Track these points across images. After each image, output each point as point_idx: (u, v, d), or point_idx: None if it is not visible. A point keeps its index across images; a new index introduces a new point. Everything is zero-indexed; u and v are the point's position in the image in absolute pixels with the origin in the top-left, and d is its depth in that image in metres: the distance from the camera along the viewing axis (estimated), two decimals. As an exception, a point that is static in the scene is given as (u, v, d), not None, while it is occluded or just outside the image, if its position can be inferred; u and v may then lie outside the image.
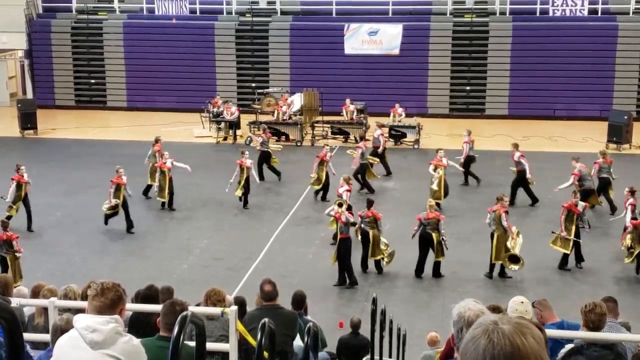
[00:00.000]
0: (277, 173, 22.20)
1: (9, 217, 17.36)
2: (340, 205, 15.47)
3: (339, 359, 10.36)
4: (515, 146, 20.45)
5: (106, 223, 18.15)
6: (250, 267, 16.21)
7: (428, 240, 15.69)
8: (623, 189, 21.63)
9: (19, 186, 18.12)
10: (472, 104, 31.20)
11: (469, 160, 21.65)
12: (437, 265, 15.84)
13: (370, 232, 15.79)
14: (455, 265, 16.42)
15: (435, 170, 19.62)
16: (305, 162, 22.54)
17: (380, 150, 22.51)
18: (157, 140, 21.05)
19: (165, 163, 19.54)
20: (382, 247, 15.99)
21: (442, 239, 15.67)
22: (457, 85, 31.15)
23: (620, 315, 7.44)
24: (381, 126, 23.44)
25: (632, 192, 16.73)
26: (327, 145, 20.28)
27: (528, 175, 19.88)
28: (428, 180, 20.11)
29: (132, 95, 32.67)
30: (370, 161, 21.80)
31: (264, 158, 21.96)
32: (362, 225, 15.90)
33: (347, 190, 17.60)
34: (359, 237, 15.94)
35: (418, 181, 21.46)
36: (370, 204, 16.11)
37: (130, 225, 18.02)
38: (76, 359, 3.77)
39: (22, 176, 18.16)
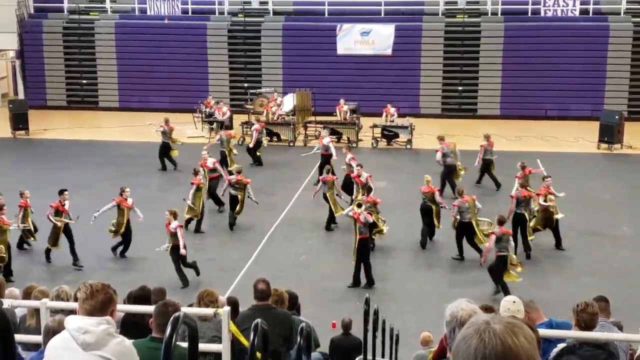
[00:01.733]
0: (174, 163, 23.43)
1: (119, 244, 16.79)
2: (359, 205, 15.51)
3: (332, 359, 10.37)
4: (348, 149, 20.97)
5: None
6: (243, 268, 16.20)
7: (428, 211, 17.35)
8: (611, 187, 21.76)
9: (120, 210, 16.70)
10: (464, 104, 31.25)
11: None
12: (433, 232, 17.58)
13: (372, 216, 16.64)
14: (448, 265, 16.45)
15: (545, 200, 16.98)
16: (297, 163, 22.57)
17: (251, 144, 23.75)
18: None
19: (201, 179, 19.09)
20: (380, 224, 17.16)
21: (441, 206, 17.41)
22: (450, 86, 31.20)
23: (612, 315, 7.47)
24: (257, 120, 24.70)
25: (523, 168, 18.55)
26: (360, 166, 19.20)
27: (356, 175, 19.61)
28: (421, 179, 20.08)
29: (124, 96, 32.61)
30: (233, 151, 22.52)
31: (164, 148, 23.33)
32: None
33: (215, 162, 18.83)
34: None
35: (410, 181, 21.47)
36: (369, 190, 17.54)
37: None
38: (68, 361, 3.76)
39: (126, 199, 16.73)
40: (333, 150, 21.25)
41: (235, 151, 22.57)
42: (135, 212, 16.77)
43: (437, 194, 17.53)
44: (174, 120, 27.79)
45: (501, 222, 14.83)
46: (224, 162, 21.42)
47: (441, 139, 21.09)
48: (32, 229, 16.97)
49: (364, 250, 15.41)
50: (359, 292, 14.86)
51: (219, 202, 19.62)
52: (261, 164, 23.71)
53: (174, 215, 15.41)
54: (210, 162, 19.75)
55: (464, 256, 16.63)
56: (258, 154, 23.80)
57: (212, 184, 19.66)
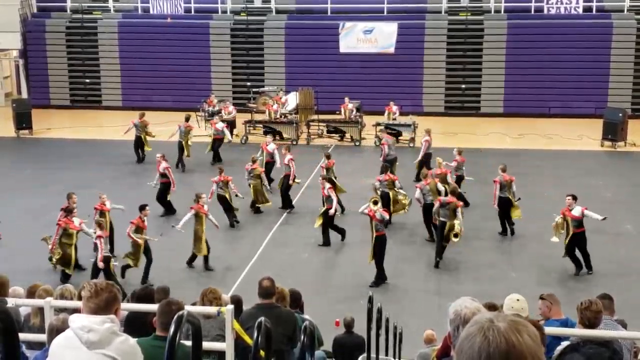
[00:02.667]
0: (143, 156, 24.38)
1: (193, 258, 16.03)
2: (375, 203, 15.49)
3: (335, 358, 10.37)
4: (287, 149, 20.18)
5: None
6: (246, 267, 16.19)
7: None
8: (614, 185, 21.72)
9: (197, 217, 15.93)
10: (468, 102, 31.23)
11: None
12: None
13: (390, 193, 18.09)
14: (451, 263, 16.45)
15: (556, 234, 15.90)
16: (299, 161, 22.51)
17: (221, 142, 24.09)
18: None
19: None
20: (401, 197, 18.31)
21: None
22: (452, 84, 31.18)
23: (616, 313, 7.47)
24: (221, 119, 25.00)
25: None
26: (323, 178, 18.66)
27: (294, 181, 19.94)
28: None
29: (127, 95, 32.64)
30: (189, 142, 23.44)
31: (137, 142, 24.38)
32: (382, 188, 18.03)
33: (166, 168, 19.13)
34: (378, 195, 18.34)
35: (412, 179, 21.47)
36: (385, 169, 18.82)
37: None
38: (72, 359, 3.76)
39: (202, 206, 16.03)
40: (277, 158, 20.57)
41: (190, 142, 23.43)
42: (211, 220, 16.29)
43: (449, 175, 18.74)
44: (177, 119, 27.89)
45: (452, 193, 16.70)
46: (181, 151, 23.13)
47: (382, 131, 22.57)
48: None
49: (381, 247, 15.41)
50: (362, 291, 14.85)
51: (167, 207, 19.17)
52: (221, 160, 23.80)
53: (99, 226, 14.83)
54: (162, 167, 19.25)
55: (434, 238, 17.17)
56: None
57: (161, 188, 19.22)
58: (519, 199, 18.04)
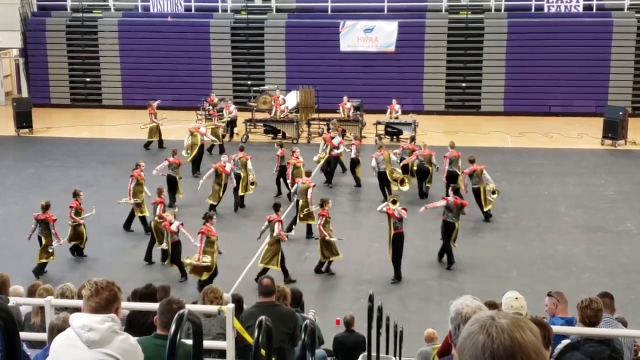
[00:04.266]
0: (147, 145, 25.57)
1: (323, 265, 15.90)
2: (394, 202, 15.47)
3: (336, 357, 10.37)
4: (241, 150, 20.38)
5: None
6: (246, 266, 16.19)
7: (425, 172, 20.30)
8: (615, 183, 21.71)
9: (326, 221, 15.71)
10: (468, 101, 31.21)
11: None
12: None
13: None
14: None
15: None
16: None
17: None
18: None
19: (224, 166, 19.32)
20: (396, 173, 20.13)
21: (437, 167, 20.27)
22: (453, 82, 31.15)
23: (616, 311, 7.47)
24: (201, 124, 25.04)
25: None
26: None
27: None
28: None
29: (128, 94, 32.62)
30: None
31: (157, 132, 25.68)
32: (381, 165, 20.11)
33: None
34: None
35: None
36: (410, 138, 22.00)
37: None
38: (73, 358, 3.77)
39: (329, 211, 15.89)
40: (228, 167, 19.61)
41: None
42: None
43: (433, 157, 20.29)
44: (177, 117, 27.88)
45: (472, 162, 18.65)
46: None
47: (356, 137, 24.40)
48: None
49: (399, 246, 15.41)
50: (363, 289, 14.86)
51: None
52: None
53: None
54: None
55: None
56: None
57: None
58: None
